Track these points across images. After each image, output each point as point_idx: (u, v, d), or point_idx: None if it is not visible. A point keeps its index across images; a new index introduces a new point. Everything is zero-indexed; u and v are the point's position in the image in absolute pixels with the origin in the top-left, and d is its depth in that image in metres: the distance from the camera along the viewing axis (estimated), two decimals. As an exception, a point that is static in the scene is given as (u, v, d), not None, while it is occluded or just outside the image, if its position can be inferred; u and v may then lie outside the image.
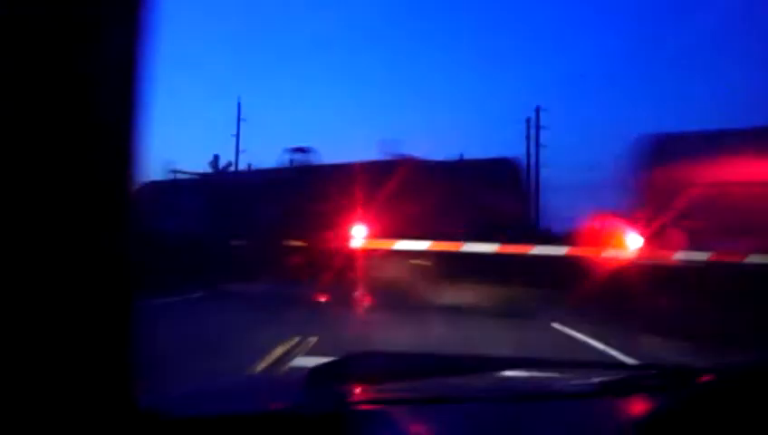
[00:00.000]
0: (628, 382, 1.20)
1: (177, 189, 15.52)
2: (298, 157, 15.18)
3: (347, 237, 10.68)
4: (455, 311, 9.67)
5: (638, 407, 0.99)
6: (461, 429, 0.95)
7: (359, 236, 10.66)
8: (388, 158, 13.26)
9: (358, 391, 1.15)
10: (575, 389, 1.20)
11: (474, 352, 6.48)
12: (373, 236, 10.80)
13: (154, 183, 15.26)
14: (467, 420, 0.98)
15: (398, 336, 7.36)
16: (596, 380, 1.29)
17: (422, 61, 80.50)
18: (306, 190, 12.54)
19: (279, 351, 6.26)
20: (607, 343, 7.30)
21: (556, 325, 8.86)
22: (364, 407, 0.95)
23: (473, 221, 11.34)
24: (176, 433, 0.82)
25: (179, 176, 16.90)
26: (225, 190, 15.81)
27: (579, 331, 8.28)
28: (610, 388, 1.14)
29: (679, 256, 9.39)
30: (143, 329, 0.76)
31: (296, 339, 6.85)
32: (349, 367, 1.32)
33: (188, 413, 0.86)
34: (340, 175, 12.21)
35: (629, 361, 6.04)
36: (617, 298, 9.12)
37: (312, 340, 6.90)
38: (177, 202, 14.05)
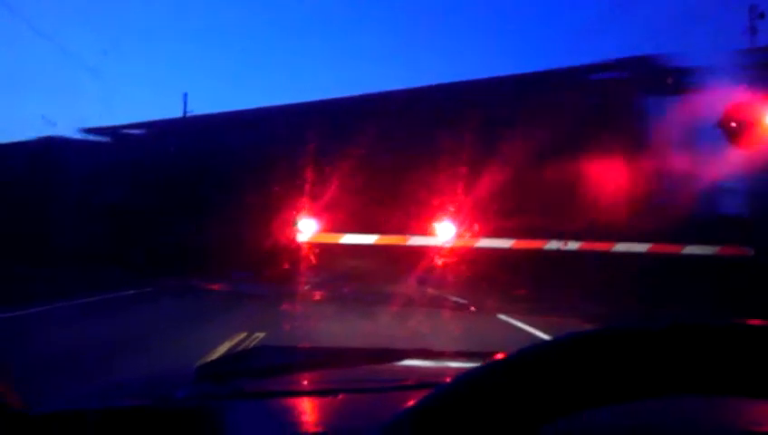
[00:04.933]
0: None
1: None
2: None
3: (295, 232, 10.62)
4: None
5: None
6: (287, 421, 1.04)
7: (308, 230, 10.62)
8: None
9: (238, 385, 1.25)
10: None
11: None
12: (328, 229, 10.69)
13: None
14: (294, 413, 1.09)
15: (343, 330, 7.48)
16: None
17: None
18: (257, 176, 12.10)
19: (225, 347, 6.28)
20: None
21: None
22: (229, 400, 1.04)
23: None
24: (44, 427, 0.90)
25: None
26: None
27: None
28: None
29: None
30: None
31: (243, 335, 6.88)
32: (240, 362, 1.42)
33: (54, 408, 0.95)
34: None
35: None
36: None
37: (259, 335, 6.94)
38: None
